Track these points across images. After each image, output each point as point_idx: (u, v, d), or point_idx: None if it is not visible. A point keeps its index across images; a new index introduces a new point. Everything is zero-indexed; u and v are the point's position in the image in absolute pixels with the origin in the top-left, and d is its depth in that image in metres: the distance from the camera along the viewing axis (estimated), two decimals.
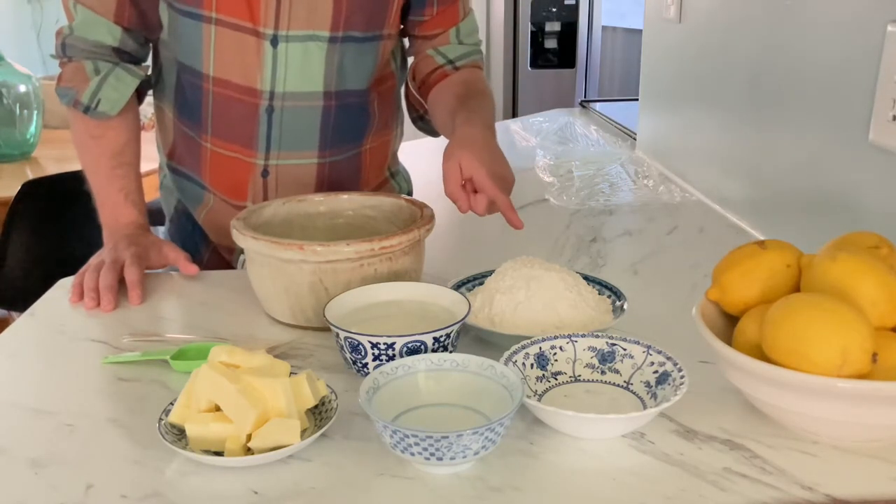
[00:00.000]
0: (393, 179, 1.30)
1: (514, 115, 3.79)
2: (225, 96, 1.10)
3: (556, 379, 0.76)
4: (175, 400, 0.68)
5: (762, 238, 0.86)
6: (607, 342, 0.77)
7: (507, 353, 0.74)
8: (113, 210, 1.11)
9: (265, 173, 1.14)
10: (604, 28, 3.95)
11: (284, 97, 1.10)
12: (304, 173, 1.15)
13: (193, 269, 1.06)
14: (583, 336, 0.77)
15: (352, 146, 1.18)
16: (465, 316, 0.79)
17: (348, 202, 1.05)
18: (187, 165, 1.21)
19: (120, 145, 1.12)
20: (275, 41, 1.06)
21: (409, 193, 1.35)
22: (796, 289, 0.72)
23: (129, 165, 1.13)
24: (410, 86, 1.25)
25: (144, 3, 1.10)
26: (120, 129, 1.12)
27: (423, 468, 0.64)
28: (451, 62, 1.19)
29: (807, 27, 1.14)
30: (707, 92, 1.51)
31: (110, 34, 1.09)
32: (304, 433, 0.67)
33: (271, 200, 1.04)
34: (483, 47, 1.28)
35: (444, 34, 1.20)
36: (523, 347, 0.76)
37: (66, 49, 1.11)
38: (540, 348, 0.76)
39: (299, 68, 1.08)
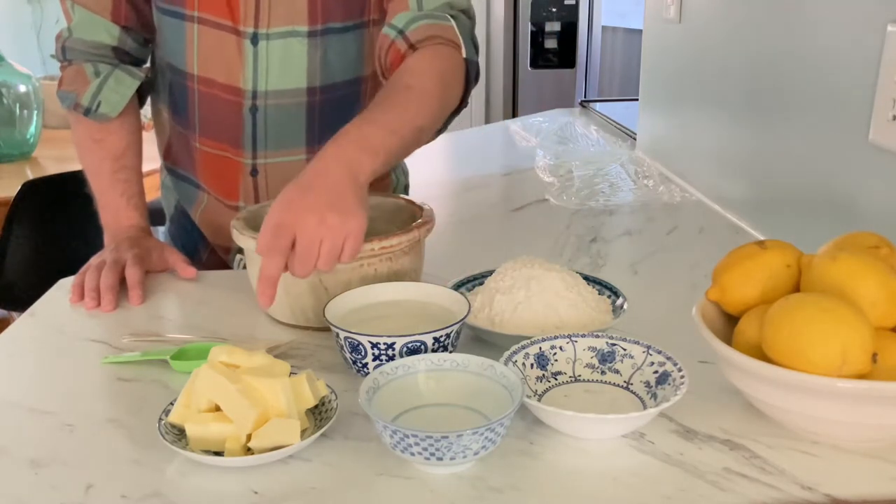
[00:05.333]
0: (392, 172, 1.29)
1: (514, 115, 3.79)
2: (210, 95, 1.10)
3: (556, 379, 0.76)
4: (175, 400, 0.68)
5: (762, 238, 0.86)
6: (607, 342, 0.77)
7: (507, 353, 0.74)
8: (115, 213, 1.11)
9: (254, 172, 1.13)
10: (604, 28, 3.95)
11: (268, 96, 1.09)
12: (295, 171, 1.12)
13: (192, 271, 1.06)
14: (583, 336, 0.77)
15: None
16: (465, 316, 0.79)
17: None
18: (182, 165, 1.21)
19: (121, 148, 1.12)
20: (255, 39, 1.06)
21: (407, 187, 1.34)
22: (796, 289, 0.72)
23: (131, 169, 1.13)
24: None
25: (140, 1, 1.10)
26: (121, 132, 1.12)
27: (423, 468, 0.64)
28: (401, 33, 0.97)
29: (807, 27, 1.14)
30: (707, 92, 1.51)
31: (108, 33, 1.09)
32: (304, 433, 0.67)
33: (271, 200, 1.04)
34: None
35: None
36: (523, 347, 0.76)
37: (66, 52, 1.11)
38: (540, 348, 0.76)
39: (281, 66, 1.07)
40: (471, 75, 1.01)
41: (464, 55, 0.99)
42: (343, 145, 0.82)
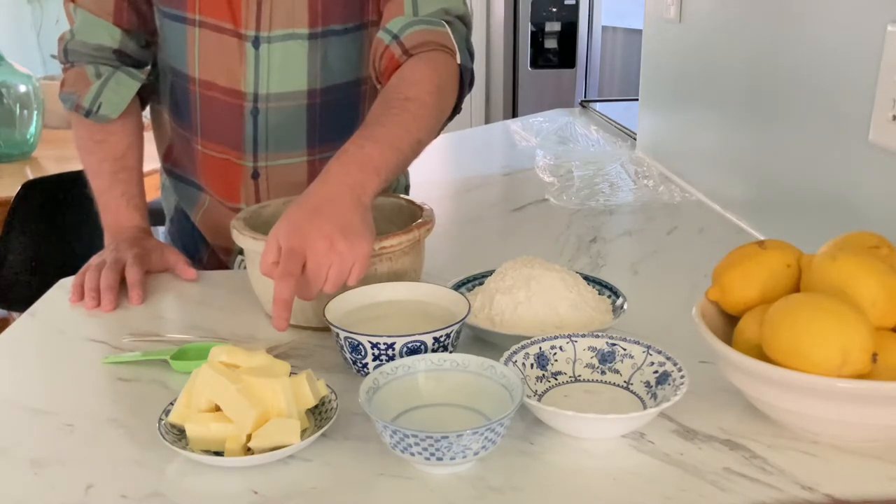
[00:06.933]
0: None
1: (514, 115, 3.79)
2: (211, 98, 1.10)
3: (556, 379, 0.76)
4: (175, 400, 0.68)
5: (762, 238, 0.86)
6: (607, 342, 0.77)
7: (507, 353, 0.74)
8: (115, 214, 1.12)
9: (255, 175, 1.13)
10: (604, 28, 3.95)
11: (269, 98, 1.09)
12: (296, 173, 1.14)
13: (192, 273, 1.06)
14: (583, 336, 0.77)
15: (345, 142, 1.16)
16: (466, 316, 0.79)
17: None
18: (183, 167, 1.21)
19: (122, 149, 1.12)
20: (256, 42, 1.06)
21: (407, 187, 1.34)
22: (796, 289, 0.72)
23: (132, 170, 1.13)
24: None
25: (142, 5, 1.10)
26: (122, 133, 1.13)
27: (423, 468, 0.64)
28: (396, 38, 0.98)
29: (807, 27, 1.14)
30: (707, 92, 1.51)
31: (110, 36, 1.09)
32: (304, 433, 0.67)
33: (271, 200, 1.04)
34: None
35: (397, 2, 1.00)
36: (523, 347, 0.76)
37: (68, 54, 1.11)
38: (540, 348, 0.76)
39: (282, 69, 1.07)
40: (465, 81, 1.01)
41: (458, 61, 0.99)
42: (347, 166, 0.83)
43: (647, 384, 0.73)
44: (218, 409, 0.66)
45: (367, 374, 0.75)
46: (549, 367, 0.76)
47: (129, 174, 1.13)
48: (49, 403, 0.76)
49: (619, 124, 2.19)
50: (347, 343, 0.76)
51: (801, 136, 1.17)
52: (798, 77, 1.17)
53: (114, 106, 1.10)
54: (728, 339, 0.71)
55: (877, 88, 0.97)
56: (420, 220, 0.93)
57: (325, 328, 0.88)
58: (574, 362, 0.77)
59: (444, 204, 1.53)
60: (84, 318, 0.96)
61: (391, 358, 0.74)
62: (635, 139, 1.96)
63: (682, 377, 0.70)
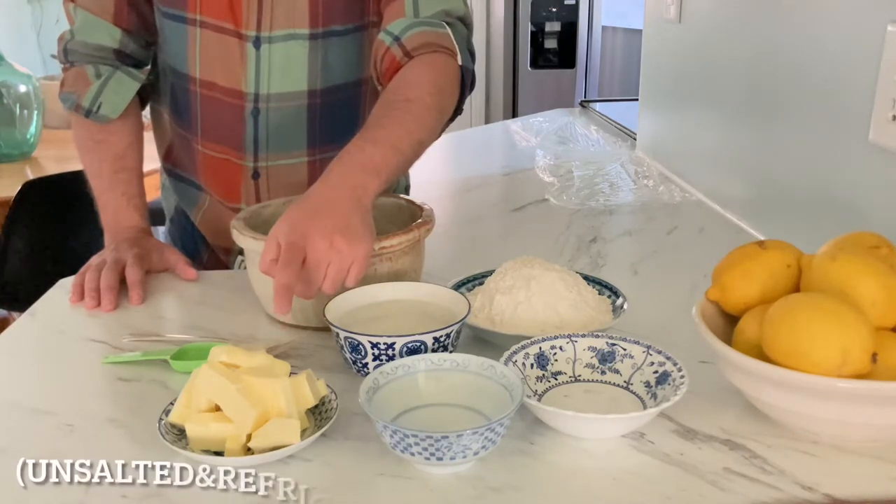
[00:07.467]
0: None
1: (514, 115, 3.79)
2: (211, 99, 1.10)
3: (556, 379, 0.76)
4: (175, 400, 0.68)
5: (762, 238, 0.86)
6: (607, 342, 0.77)
7: (507, 353, 0.74)
8: (115, 214, 1.11)
9: (255, 175, 1.13)
10: (604, 28, 3.95)
11: (269, 99, 1.09)
12: (296, 173, 1.14)
13: (192, 272, 1.06)
14: (583, 336, 0.77)
15: (346, 142, 1.16)
16: (466, 316, 0.78)
17: None
18: (184, 167, 1.21)
19: (122, 149, 1.12)
20: (257, 43, 1.06)
21: (407, 187, 1.34)
22: (796, 289, 0.72)
23: (132, 170, 1.13)
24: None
25: (142, 5, 1.10)
26: (122, 133, 1.12)
27: (423, 468, 0.64)
28: (397, 40, 0.98)
29: (807, 27, 1.14)
30: (707, 92, 1.51)
31: (110, 36, 1.09)
32: (304, 433, 0.67)
33: (272, 200, 1.04)
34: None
35: (398, 4, 1.01)
36: (523, 347, 0.76)
37: (68, 54, 1.11)
38: (540, 348, 0.76)
39: (283, 69, 1.07)
40: (466, 83, 1.02)
41: (459, 62, 1.00)
42: (348, 168, 0.83)
43: (647, 384, 0.73)
44: (218, 409, 0.66)
45: (367, 374, 0.75)
46: (549, 367, 0.76)
47: (129, 174, 1.13)
48: (49, 403, 0.76)
49: (619, 124, 2.19)
50: (347, 343, 0.76)
51: (801, 136, 1.17)
52: (798, 77, 1.17)
53: (114, 106, 1.10)
54: (728, 339, 0.71)
55: (877, 88, 0.97)
56: (420, 220, 0.93)
57: (325, 328, 0.88)
58: (574, 362, 0.77)
59: (444, 204, 1.53)
60: (84, 318, 0.96)
61: (391, 358, 0.74)
62: (635, 139, 1.96)
63: (682, 377, 0.70)
